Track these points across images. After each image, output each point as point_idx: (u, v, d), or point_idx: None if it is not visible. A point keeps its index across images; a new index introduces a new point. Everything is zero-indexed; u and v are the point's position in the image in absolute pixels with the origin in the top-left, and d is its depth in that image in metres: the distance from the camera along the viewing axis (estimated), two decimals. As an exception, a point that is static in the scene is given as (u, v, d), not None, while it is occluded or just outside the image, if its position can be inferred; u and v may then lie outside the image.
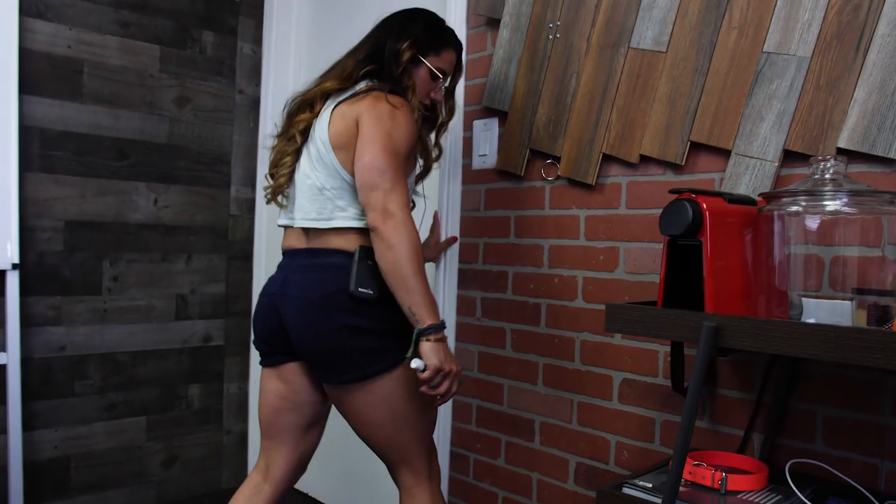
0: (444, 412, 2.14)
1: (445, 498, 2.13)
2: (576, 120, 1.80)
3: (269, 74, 2.90)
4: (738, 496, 1.26)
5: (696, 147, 1.59)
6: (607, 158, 1.75)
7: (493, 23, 2.03)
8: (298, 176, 1.63)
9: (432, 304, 1.48)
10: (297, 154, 1.64)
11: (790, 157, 1.45)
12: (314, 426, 1.74)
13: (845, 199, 1.05)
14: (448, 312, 2.14)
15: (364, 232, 1.54)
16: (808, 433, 1.42)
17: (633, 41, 1.70)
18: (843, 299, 1.16)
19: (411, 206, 1.60)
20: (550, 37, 1.87)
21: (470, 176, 2.10)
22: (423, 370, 1.46)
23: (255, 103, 2.93)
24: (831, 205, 1.07)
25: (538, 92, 1.89)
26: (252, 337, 1.75)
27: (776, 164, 1.45)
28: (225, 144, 2.88)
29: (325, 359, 1.56)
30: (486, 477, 2.04)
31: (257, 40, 2.93)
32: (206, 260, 2.85)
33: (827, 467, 1.34)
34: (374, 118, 1.52)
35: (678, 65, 1.61)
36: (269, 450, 1.72)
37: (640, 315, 1.20)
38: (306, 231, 1.61)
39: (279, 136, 1.70)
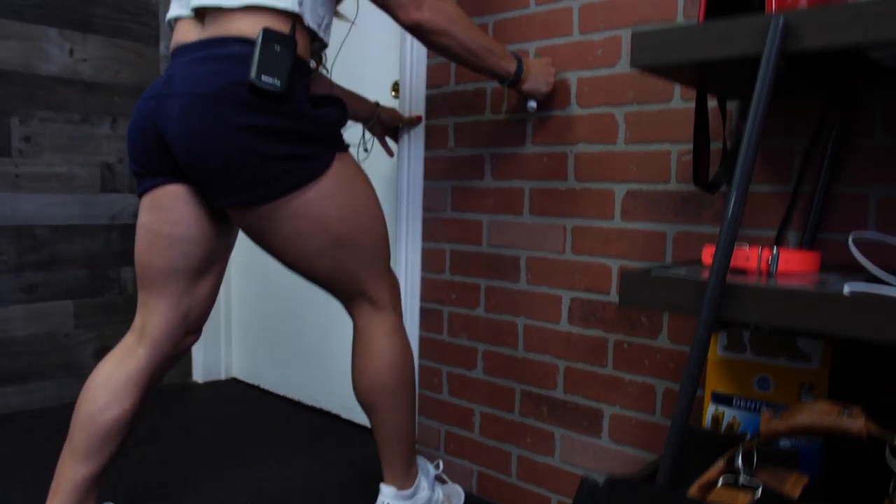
0: (412, 261, 1.86)
1: (416, 360, 1.88)
2: None
3: None
4: (794, 278, 1.01)
5: None
6: (606, -71, 1.46)
7: None
8: None
9: (503, 50, 1.41)
10: None
11: None
12: (204, 275, 1.38)
13: None
14: (415, 145, 1.85)
15: (281, 15, 1.20)
16: (858, 220, 1.19)
17: None
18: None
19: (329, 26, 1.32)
20: None
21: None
22: (535, 108, 1.55)
23: (184, -57, 2.55)
24: None
25: None
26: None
27: None
28: (151, -10, 2.50)
29: (220, 172, 1.19)
30: (463, 332, 1.79)
31: None
32: (135, 125, 2.49)
33: (890, 240, 1.11)
34: None
35: None
36: (146, 304, 1.36)
37: (680, 36, 0.92)
38: (203, 17, 1.24)
39: None
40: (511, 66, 1.43)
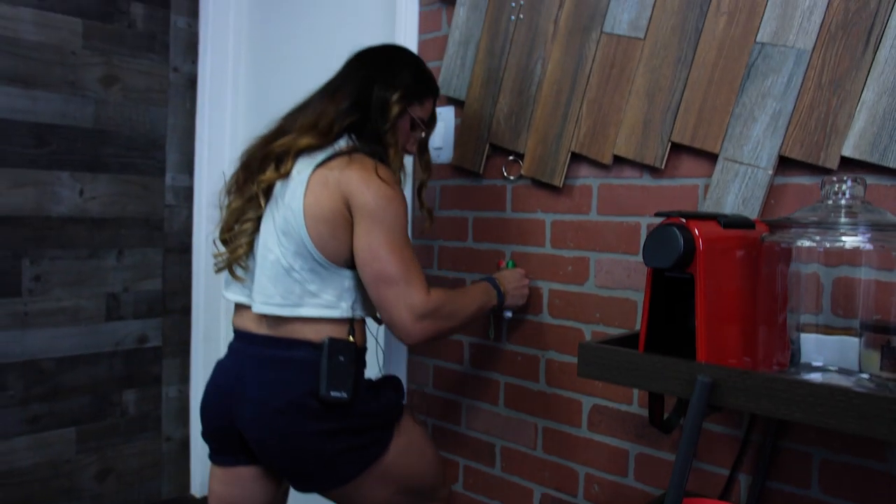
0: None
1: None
2: (541, 113, 1.59)
3: (207, 50, 2.63)
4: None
5: (677, 149, 1.40)
6: (576, 158, 1.56)
7: (450, -1, 1.81)
8: (259, 248, 1.35)
9: (486, 295, 1.49)
10: (258, 220, 1.36)
11: (786, 164, 1.26)
12: None
13: (867, 235, 0.87)
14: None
15: (339, 322, 1.32)
16: (803, 478, 1.26)
17: (606, 25, 1.50)
18: (849, 333, 0.99)
19: None
20: (513, 17, 1.65)
21: (424, 171, 1.88)
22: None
23: (191, 82, 2.67)
24: (850, 241, 0.88)
25: (499, 80, 1.67)
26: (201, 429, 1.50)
27: (770, 172, 1.27)
28: (159, 128, 2.62)
29: (300, 469, 1.34)
30: (443, 502, 1.87)
31: (192, 12, 2.66)
32: (140, 254, 2.60)
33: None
34: (370, 209, 1.27)
35: (658, 54, 1.42)
36: None
37: (622, 361, 1.02)
38: (266, 315, 1.35)
39: (232, 190, 1.41)
40: (494, 302, 1.52)
